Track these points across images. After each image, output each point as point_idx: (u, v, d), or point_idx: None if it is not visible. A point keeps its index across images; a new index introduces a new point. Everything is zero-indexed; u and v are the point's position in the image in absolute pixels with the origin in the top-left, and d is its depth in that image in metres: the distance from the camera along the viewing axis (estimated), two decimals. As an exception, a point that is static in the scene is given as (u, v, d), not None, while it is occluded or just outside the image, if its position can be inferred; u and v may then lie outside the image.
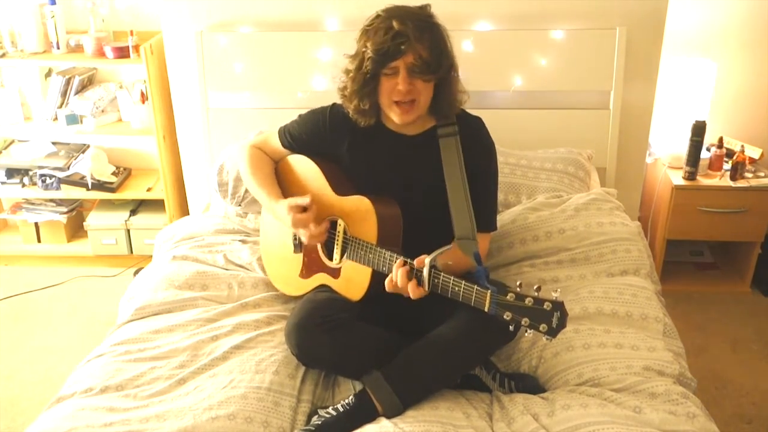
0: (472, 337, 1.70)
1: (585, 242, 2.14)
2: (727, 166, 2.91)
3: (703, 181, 2.88)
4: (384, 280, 1.70)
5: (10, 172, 3.23)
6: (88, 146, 3.33)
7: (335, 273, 1.91)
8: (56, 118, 3.18)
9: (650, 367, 1.71)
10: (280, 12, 2.79)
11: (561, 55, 2.73)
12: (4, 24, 3.06)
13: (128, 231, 3.27)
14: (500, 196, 2.11)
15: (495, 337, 1.77)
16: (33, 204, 3.33)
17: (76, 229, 3.42)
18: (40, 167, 3.21)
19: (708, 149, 2.95)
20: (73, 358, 2.61)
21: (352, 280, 1.87)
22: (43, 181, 3.18)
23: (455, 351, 1.71)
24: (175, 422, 1.57)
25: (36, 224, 3.32)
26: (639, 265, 2.09)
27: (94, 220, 3.27)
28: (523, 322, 1.49)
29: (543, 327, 1.47)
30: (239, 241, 2.35)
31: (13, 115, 3.20)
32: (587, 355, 1.76)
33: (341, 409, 1.65)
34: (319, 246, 1.96)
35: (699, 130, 2.80)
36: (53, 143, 3.33)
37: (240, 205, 2.53)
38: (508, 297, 1.50)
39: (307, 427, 1.63)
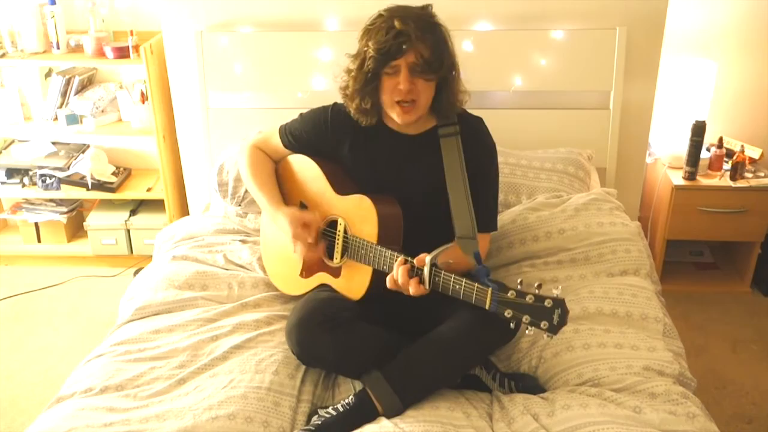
0: (472, 337, 1.70)
1: (585, 242, 2.14)
2: (727, 166, 2.91)
3: (703, 181, 2.88)
4: (384, 279, 1.70)
5: (10, 172, 3.23)
6: (88, 146, 3.33)
7: (336, 272, 1.91)
8: (56, 118, 3.18)
9: (650, 367, 1.71)
10: (280, 12, 2.79)
11: (561, 55, 2.73)
12: (4, 24, 3.06)
13: (128, 231, 3.27)
14: (500, 196, 2.11)
15: (495, 337, 1.77)
16: (33, 204, 3.33)
17: (76, 229, 3.42)
18: (40, 167, 3.21)
19: (708, 149, 2.95)
20: (73, 358, 2.61)
21: (352, 279, 1.87)
22: (43, 181, 3.18)
23: (455, 351, 1.71)
24: (175, 422, 1.57)
25: (36, 224, 3.32)
26: (639, 265, 2.09)
27: (94, 220, 3.27)
28: (524, 320, 1.49)
29: (544, 324, 1.47)
30: (239, 241, 2.35)
31: (13, 115, 3.20)
32: (587, 355, 1.76)
33: (341, 409, 1.65)
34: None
35: (699, 130, 2.80)
36: (53, 143, 3.33)
37: (240, 205, 2.53)
38: (509, 294, 1.50)
39: (307, 427, 1.63)
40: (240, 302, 2.04)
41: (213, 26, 2.82)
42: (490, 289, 1.52)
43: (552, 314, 1.47)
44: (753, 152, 2.97)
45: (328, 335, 1.73)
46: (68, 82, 3.14)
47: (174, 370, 1.78)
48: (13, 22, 3.05)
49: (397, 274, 1.66)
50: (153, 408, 1.64)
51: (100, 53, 2.99)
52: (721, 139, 2.94)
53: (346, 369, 1.79)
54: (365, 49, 1.77)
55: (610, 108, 2.79)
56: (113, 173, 3.27)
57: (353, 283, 1.87)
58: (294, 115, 2.08)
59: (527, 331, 1.51)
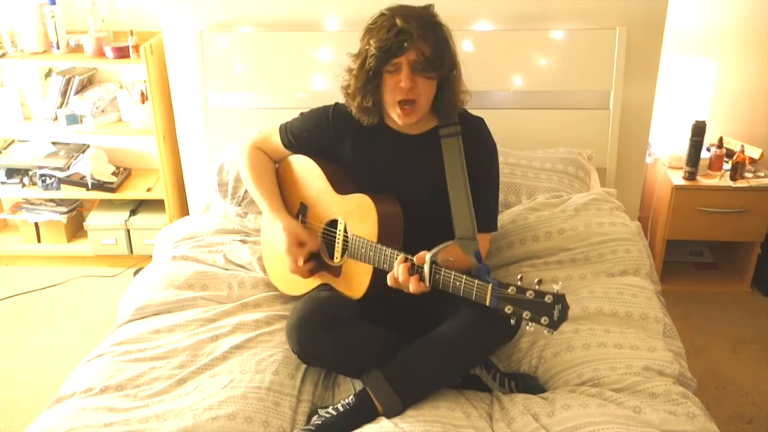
0: (472, 337, 1.70)
1: (585, 242, 2.14)
2: (727, 166, 2.91)
3: (703, 181, 2.88)
4: (385, 278, 1.70)
5: (10, 172, 3.23)
6: (88, 146, 3.33)
7: (336, 272, 1.92)
8: (56, 118, 3.18)
9: (650, 367, 1.71)
10: (280, 12, 2.79)
11: (561, 55, 2.73)
12: (4, 24, 3.06)
13: (128, 231, 3.27)
14: (500, 196, 2.11)
15: (495, 336, 1.77)
16: (33, 204, 3.33)
17: (76, 229, 3.42)
18: (40, 167, 3.21)
19: (708, 149, 2.95)
20: (73, 358, 2.61)
21: (353, 278, 1.87)
22: (43, 181, 3.18)
23: (455, 350, 1.71)
24: (175, 422, 1.57)
25: (36, 224, 3.32)
26: (639, 265, 2.09)
27: (94, 220, 3.27)
28: (524, 315, 1.49)
29: (544, 320, 1.47)
30: (239, 241, 2.35)
31: (13, 115, 3.20)
32: (587, 355, 1.76)
33: (341, 409, 1.65)
34: (319, 245, 1.96)
35: (699, 130, 2.80)
36: (53, 143, 3.33)
37: (240, 205, 2.53)
38: (509, 290, 1.51)
39: (307, 427, 1.63)
40: (240, 302, 2.04)
41: (213, 26, 2.82)
42: (491, 285, 1.53)
43: (552, 310, 1.47)
44: (753, 152, 2.97)
45: (328, 334, 1.73)
46: (68, 82, 3.14)
47: (174, 370, 1.78)
48: (13, 22, 3.05)
49: (398, 272, 1.66)
50: (153, 408, 1.64)
51: (100, 53, 2.99)
52: (721, 139, 2.94)
53: (346, 368, 1.79)
54: (367, 47, 1.77)
55: (610, 108, 2.79)
56: (113, 173, 3.27)
57: (353, 282, 1.87)
58: (294, 115, 2.08)
59: (527, 327, 1.51)
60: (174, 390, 1.72)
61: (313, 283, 1.98)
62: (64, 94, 3.17)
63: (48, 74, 3.21)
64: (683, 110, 2.90)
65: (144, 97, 3.09)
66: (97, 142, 3.33)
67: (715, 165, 2.92)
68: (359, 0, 2.52)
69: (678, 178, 2.89)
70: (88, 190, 3.18)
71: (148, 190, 3.23)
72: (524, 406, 1.64)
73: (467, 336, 1.70)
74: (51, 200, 3.33)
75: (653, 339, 1.82)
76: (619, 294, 1.96)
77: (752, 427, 2.31)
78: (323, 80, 2.81)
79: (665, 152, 3.00)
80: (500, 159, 2.00)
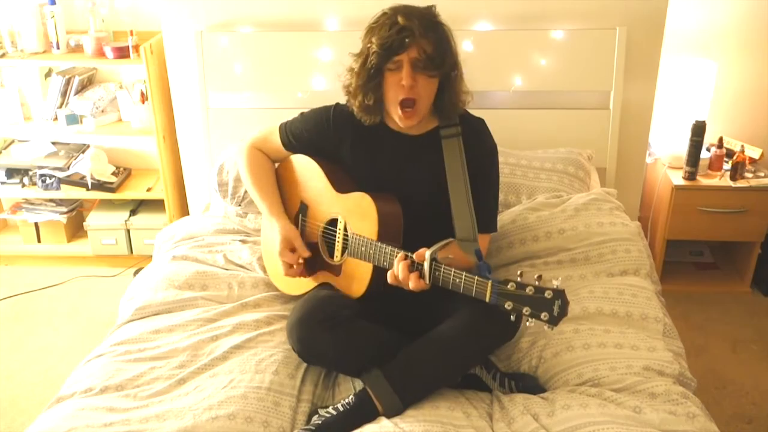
0: (472, 336, 1.71)
1: (585, 242, 2.14)
2: (727, 166, 2.91)
3: (703, 181, 2.88)
4: (385, 276, 1.70)
5: (10, 172, 3.23)
6: (88, 146, 3.33)
7: (336, 270, 1.92)
8: (56, 118, 3.18)
9: (650, 367, 1.71)
10: (280, 12, 2.79)
11: (561, 55, 2.73)
12: (4, 24, 3.06)
13: (128, 231, 3.27)
14: (500, 196, 2.11)
15: (495, 335, 1.77)
16: (33, 204, 3.33)
17: (76, 229, 3.42)
18: (40, 167, 3.21)
19: (708, 149, 2.95)
20: (73, 358, 2.61)
21: (353, 277, 1.87)
22: (43, 181, 3.18)
23: (455, 350, 1.71)
24: (175, 422, 1.57)
25: (36, 224, 3.32)
26: (639, 265, 2.09)
27: (94, 220, 3.27)
28: (524, 311, 1.49)
29: (544, 315, 1.47)
30: (239, 241, 2.35)
31: (13, 115, 3.20)
32: (587, 355, 1.76)
33: (341, 409, 1.65)
34: (320, 244, 1.96)
35: (699, 130, 2.80)
36: (53, 143, 3.33)
37: (240, 205, 2.53)
38: (509, 286, 1.51)
39: (307, 427, 1.63)
40: (240, 302, 2.04)
41: (213, 26, 2.82)
42: (491, 281, 1.53)
43: (552, 305, 1.47)
44: (753, 152, 2.97)
45: (328, 333, 1.74)
46: (68, 82, 3.14)
47: (174, 370, 1.78)
48: (13, 22, 3.05)
49: (398, 270, 1.66)
50: (153, 408, 1.64)
51: (100, 53, 2.99)
52: (721, 139, 2.94)
53: (346, 367, 1.79)
54: (369, 45, 1.77)
55: (610, 108, 2.79)
56: (113, 173, 3.27)
57: (354, 280, 1.87)
58: (294, 115, 2.08)
59: (528, 323, 1.51)
60: (174, 390, 1.72)
61: (313, 282, 1.98)
62: (64, 94, 3.17)
63: (48, 74, 3.21)
64: (683, 110, 2.90)
65: (144, 97, 3.09)
66: (97, 142, 3.33)
67: (715, 165, 2.92)
68: (359, 0, 2.53)
69: (678, 178, 2.89)
70: (88, 190, 3.18)
71: (148, 190, 3.23)
72: (524, 406, 1.64)
73: (467, 335, 1.70)
74: (51, 200, 3.33)
75: (653, 339, 1.82)
76: (619, 294, 1.96)
77: (752, 427, 2.31)
78: (323, 80, 2.81)
79: (665, 152, 3.01)
80: (500, 159, 2.00)
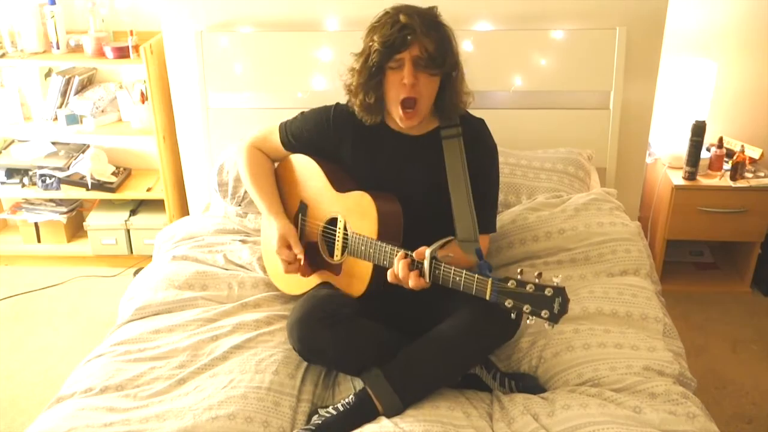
0: (472, 335, 1.71)
1: (585, 242, 2.14)
2: (727, 166, 2.91)
3: (703, 181, 2.88)
4: (385, 275, 1.70)
5: (10, 172, 3.23)
6: (88, 146, 3.33)
7: (336, 270, 1.92)
8: (56, 118, 3.18)
9: (650, 367, 1.71)
10: (280, 12, 2.79)
11: (561, 55, 2.73)
12: (4, 24, 3.06)
13: (128, 231, 3.27)
14: (500, 196, 2.12)
15: (495, 335, 1.78)
16: (33, 204, 3.33)
17: (76, 229, 3.42)
18: (40, 167, 3.21)
19: (708, 149, 2.95)
20: (73, 358, 2.61)
21: (353, 276, 1.87)
22: (43, 181, 3.18)
23: (455, 349, 1.71)
24: (175, 422, 1.57)
25: (36, 224, 3.32)
26: (639, 265, 2.09)
27: (94, 220, 3.27)
28: (524, 309, 1.49)
29: (545, 313, 1.47)
30: (239, 241, 2.35)
31: (13, 115, 3.20)
32: (587, 355, 1.76)
33: (341, 409, 1.65)
34: (320, 243, 1.97)
35: (699, 130, 2.80)
36: (53, 143, 3.33)
37: (240, 205, 2.53)
38: (509, 284, 1.51)
39: (307, 427, 1.63)
40: (240, 302, 2.04)
41: (213, 26, 2.82)
42: (491, 279, 1.53)
43: (552, 303, 1.47)
44: (753, 152, 2.97)
45: (328, 331, 1.74)
46: (68, 82, 3.14)
47: (174, 370, 1.78)
48: (13, 22, 3.05)
49: (398, 268, 1.66)
50: (153, 408, 1.64)
51: (100, 53, 2.99)
52: (721, 139, 2.94)
53: (346, 365, 1.79)
54: (370, 43, 1.78)
55: (610, 108, 2.79)
56: (113, 173, 3.27)
57: (354, 279, 1.87)
58: (294, 115, 2.08)
59: (528, 321, 1.51)
60: (174, 390, 1.72)
61: (313, 281, 1.98)
62: (64, 94, 3.17)
63: (48, 74, 3.21)
64: (683, 110, 2.90)
65: (144, 97, 3.09)
66: (97, 142, 3.33)
67: (715, 165, 2.92)
68: (359, 0, 2.53)
69: (678, 178, 2.89)
70: (88, 190, 3.18)
71: (148, 190, 3.23)
72: (524, 406, 1.64)
73: (467, 334, 1.70)
74: (51, 200, 3.33)
75: (653, 339, 1.82)
76: (619, 294, 1.96)
77: (752, 427, 2.31)
78: (323, 80, 2.81)
79: (665, 152, 3.01)
80: (500, 159, 2.00)
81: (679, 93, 2.91)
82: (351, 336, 1.75)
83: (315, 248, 1.98)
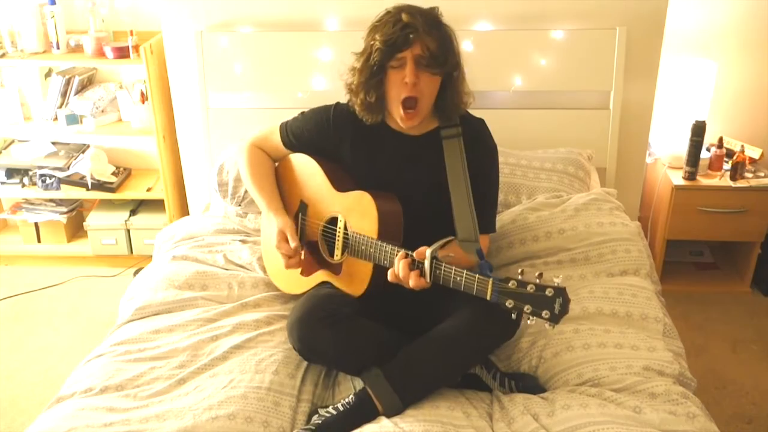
0: (472, 334, 1.71)
1: (585, 242, 2.14)
2: (727, 166, 2.91)
3: (703, 181, 2.88)
4: (385, 275, 1.70)
5: (10, 172, 3.23)
6: (88, 146, 3.33)
7: (336, 269, 1.92)
8: (56, 118, 3.18)
9: (650, 367, 1.71)
10: (280, 12, 2.79)
11: (561, 55, 2.73)
12: (4, 24, 3.06)
13: (128, 231, 3.27)
14: (500, 196, 2.12)
15: (495, 334, 1.78)
16: (33, 204, 3.33)
17: (76, 229, 3.42)
18: (40, 167, 3.21)
19: (708, 149, 2.95)
20: (73, 358, 2.61)
21: (353, 275, 1.87)
22: (43, 181, 3.18)
23: (456, 349, 1.71)
24: (175, 422, 1.57)
25: (36, 224, 3.32)
26: (639, 265, 2.09)
27: (94, 220, 3.27)
28: (525, 309, 1.49)
29: (545, 313, 1.47)
30: (239, 241, 2.35)
31: (13, 115, 3.20)
32: (587, 355, 1.76)
33: (341, 408, 1.65)
34: (320, 243, 1.96)
35: (699, 130, 2.80)
36: (53, 143, 3.33)
37: (240, 205, 2.53)
38: (509, 284, 1.51)
39: (307, 427, 1.63)
40: (240, 302, 2.04)
41: (213, 26, 2.82)
42: (492, 279, 1.53)
43: (553, 303, 1.47)
44: (753, 152, 2.97)
45: (328, 330, 1.74)
46: (68, 82, 3.14)
47: (174, 370, 1.78)
48: (13, 22, 3.05)
49: (398, 268, 1.67)
50: (153, 408, 1.64)
51: (100, 53, 2.99)
52: (721, 139, 2.94)
53: (346, 365, 1.79)
54: (372, 42, 1.78)
55: (610, 108, 2.79)
56: (113, 173, 3.27)
57: (354, 279, 1.87)
58: (294, 115, 2.08)
59: (529, 321, 1.51)
60: (174, 390, 1.72)
61: (313, 281, 1.98)
62: (64, 94, 3.17)
63: (48, 74, 3.21)
64: (683, 110, 2.90)
65: (144, 97, 3.09)
66: (97, 142, 3.33)
67: (715, 165, 2.92)
68: (359, 0, 2.53)
69: (678, 178, 2.89)
70: (88, 190, 3.18)
71: (148, 190, 3.23)
72: (524, 406, 1.64)
73: (467, 334, 1.70)
74: (51, 200, 3.33)
75: (653, 339, 1.82)
76: (619, 294, 1.96)
77: (752, 427, 2.31)
78: (323, 80, 2.81)
79: (665, 152, 3.01)
80: (500, 159, 2.00)
81: (679, 93, 2.91)
82: (351, 336, 1.75)
83: (315, 248, 1.98)
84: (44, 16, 2.99)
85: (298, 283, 2.02)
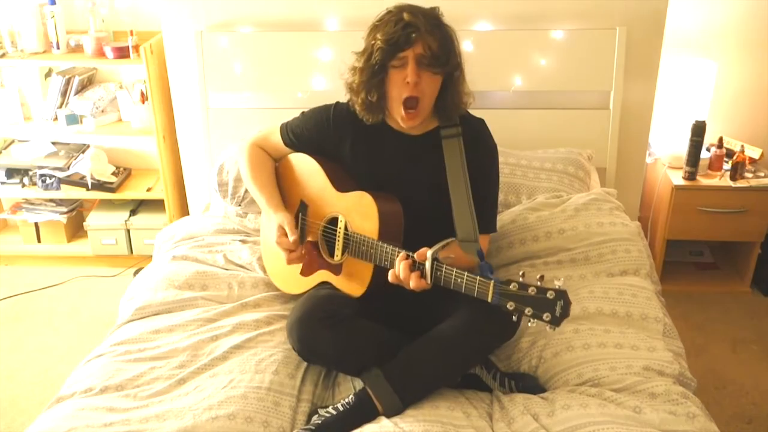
0: (472, 334, 1.71)
1: (585, 242, 2.14)
2: (727, 166, 2.91)
3: (703, 181, 2.88)
4: (385, 275, 1.70)
5: (10, 172, 3.23)
6: (88, 146, 3.33)
7: (336, 270, 1.92)
8: (56, 118, 3.18)
9: (650, 367, 1.71)
10: (280, 12, 2.79)
11: (561, 55, 2.73)
12: (4, 24, 3.06)
13: (128, 231, 3.27)
14: (500, 196, 2.12)
15: (495, 334, 1.77)
16: (33, 204, 3.33)
17: (76, 229, 3.42)
18: (40, 167, 3.21)
19: (708, 149, 2.95)
20: (73, 358, 2.61)
21: (353, 276, 1.87)
22: (43, 181, 3.18)
23: (456, 349, 1.71)
24: (175, 422, 1.57)
25: (36, 224, 3.32)
26: (639, 265, 2.09)
27: (94, 220, 3.27)
28: (526, 312, 1.49)
29: (546, 316, 1.47)
30: (239, 241, 2.35)
31: (13, 115, 3.20)
32: (587, 355, 1.76)
33: (341, 409, 1.65)
34: (319, 243, 1.97)
35: (699, 130, 2.80)
36: (53, 143, 3.33)
37: (240, 205, 2.53)
38: (511, 287, 1.51)
39: (307, 427, 1.63)
40: (240, 302, 2.04)
41: (213, 26, 2.82)
42: (493, 281, 1.53)
43: (554, 306, 1.47)
44: (753, 152, 2.97)
45: (328, 331, 1.74)
46: (68, 82, 3.14)
47: (174, 370, 1.78)
48: (13, 22, 3.05)
49: (399, 269, 1.66)
50: (153, 408, 1.64)
51: (100, 53, 2.99)
52: (721, 139, 2.94)
53: (346, 365, 1.79)
54: (373, 42, 1.78)
55: (610, 108, 2.79)
56: (113, 173, 3.27)
57: (354, 280, 1.87)
58: (294, 115, 2.08)
59: (529, 324, 1.51)
60: (174, 390, 1.72)
61: (312, 281, 1.98)
62: (64, 94, 3.17)
63: (48, 74, 3.21)
64: (683, 110, 2.90)
65: (144, 97, 3.09)
66: (97, 142, 3.33)
67: (715, 165, 2.92)
68: (359, 0, 2.53)
69: (678, 178, 2.89)
70: (88, 190, 3.18)
71: (148, 190, 3.23)
72: (524, 406, 1.64)
73: (467, 334, 1.70)
74: (51, 200, 3.33)
75: (653, 339, 1.82)
76: (619, 294, 1.96)
77: (752, 427, 2.31)
78: (323, 80, 2.81)
79: (665, 152, 3.01)
80: (500, 159, 2.00)
81: (679, 93, 2.91)
82: (351, 337, 1.75)
83: (315, 247, 1.98)
84: (44, 16, 2.99)
85: (297, 283, 2.02)
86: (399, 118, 1.83)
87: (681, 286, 3.04)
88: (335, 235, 1.92)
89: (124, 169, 3.35)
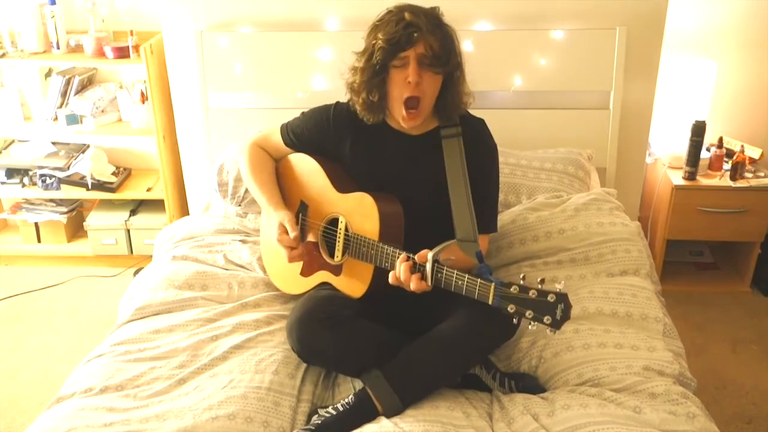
0: (472, 335, 1.71)
1: (585, 242, 2.14)
2: (727, 166, 2.91)
3: (703, 181, 2.88)
4: (385, 276, 1.70)
5: (10, 172, 3.23)
6: (88, 146, 3.33)
7: (337, 270, 1.92)
8: (56, 118, 3.18)
9: (650, 367, 1.71)
10: (280, 12, 2.79)
11: (561, 55, 2.73)
12: (4, 24, 3.06)
13: (128, 231, 3.27)
14: (500, 196, 2.12)
15: (495, 335, 1.77)
16: (33, 204, 3.33)
17: (76, 229, 3.42)
18: (40, 167, 3.21)
19: (708, 149, 2.95)
20: (73, 358, 2.61)
21: (353, 277, 1.87)
22: (43, 181, 3.18)
23: (455, 349, 1.71)
24: (175, 422, 1.57)
25: (36, 224, 3.32)
26: (639, 265, 2.08)
27: (94, 220, 3.27)
28: (527, 314, 1.49)
29: (547, 319, 1.47)
30: (239, 241, 2.35)
31: (13, 115, 3.20)
32: (587, 355, 1.76)
33: (341, 409, 1.65)
34: (320, 243, 1.96)
35: (699, 130, 2.80)
36: (53, 143, 3.33)
37: (240, 205, 2.53)
38: (511, 289, 1.50)
39: (307, 427, 1.63)
40: (240, 302, 2.04)
41: (213, 26, 2.82)
42: (493, 284, 1.53)
43: (555, 309, 1.47)
44: (753, 152, 2.97)
45: (328, 332, 1.74)
46: (68, 82, 3.14)
47: (174, 370, 1.78)
48: (13, 22, 3.05)
49: (399, 271, 1.66)
50: (153, 408, 1.64)
51: (100, 53, 2.99)
52: (721, 139, 2.94)
53: (346, 366, 1.79)
54: (374, 41, 1.77)
55: (610, 108, 2.79)
56: (113, 173, 3.27)
57: (354, 280, 1.87)
58: (294, 115, 2.08)
59: (530, 326, 1.51)
60: (174, 390, 1.72)
61: (312, 281, 1.98)
62: (64, 94, 3.17)
63: (48, 74, 3.21)
64: (683, 110, 2.90)
65: (144, 97, 3.09)
66: (97, 142, 3.33)
67: (715, 165, 2.92)
68: (359, 0, 2.53)
69: (678, 178, 2.89)
70: (88, 190, 3.18)
71: (148, 190, 3.24)
72: (524, 406, 1.64)
73: (467, 335, 1.70)
74: (51, 200, 3.33)
75: (653, 339, 1.82)
76: (619, 294, 1.96)
77: (752, 427, 2.31)
78: (323, 80, 2.81)
79: (665, 152, 3.01)
80: (500, 159, 2.00)
81: (679, 93, 2.91)
82: (351, 337, 1.75)
83: (315, 248, 1.98)
84: (44, 16, 2.99)
85: (297, 283, 2.02)
86: (400, 118, 1.83)
87: (681, 286, 3.04)
88: (335, 235, 1.92)
89: (124, 169, 3.35)
